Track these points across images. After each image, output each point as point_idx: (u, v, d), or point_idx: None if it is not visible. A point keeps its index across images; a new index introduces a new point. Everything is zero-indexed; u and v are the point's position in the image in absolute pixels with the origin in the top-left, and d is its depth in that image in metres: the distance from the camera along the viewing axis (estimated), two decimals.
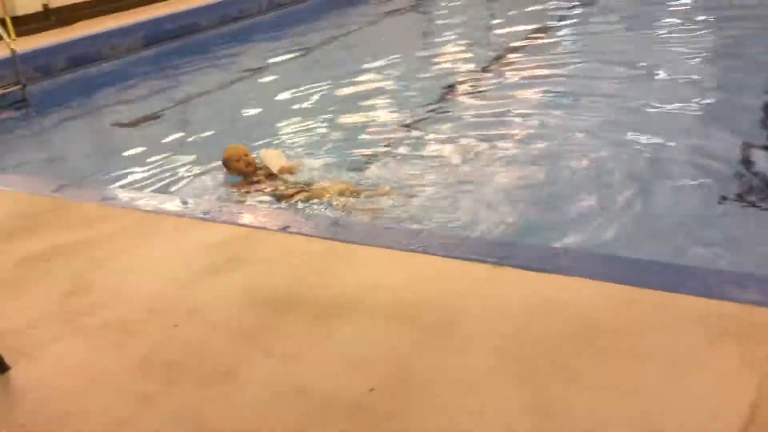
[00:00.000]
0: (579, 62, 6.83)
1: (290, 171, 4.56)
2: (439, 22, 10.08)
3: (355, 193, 4.22)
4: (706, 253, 3.30)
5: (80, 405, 2.13)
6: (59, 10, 9.68)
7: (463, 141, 5.04)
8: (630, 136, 4.77)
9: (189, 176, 4.92)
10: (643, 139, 4.70)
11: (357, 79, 7.14)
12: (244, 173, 4.53)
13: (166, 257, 3.00)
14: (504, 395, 1.96)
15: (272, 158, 4.54)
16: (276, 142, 5.49)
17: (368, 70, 7.47)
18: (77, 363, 2.35)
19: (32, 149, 6.18)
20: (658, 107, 5.32)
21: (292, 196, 4.25)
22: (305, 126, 5.86)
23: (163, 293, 2.70)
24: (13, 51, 7.07)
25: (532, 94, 6.01)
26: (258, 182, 4.46)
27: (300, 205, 4.16)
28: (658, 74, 6.16)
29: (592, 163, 4.40)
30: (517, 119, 5.41)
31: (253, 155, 4.64)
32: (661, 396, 1.90)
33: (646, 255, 2.78)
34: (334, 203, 4.10)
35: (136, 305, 2.63)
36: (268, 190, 4.36)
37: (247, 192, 4.40)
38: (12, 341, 2.49)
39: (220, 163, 4.69)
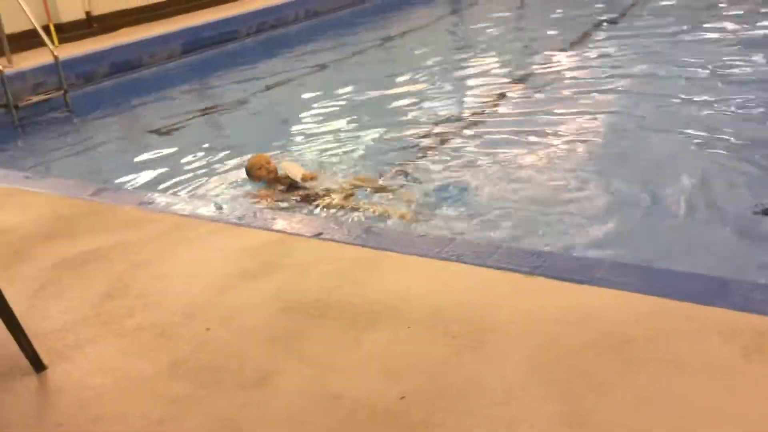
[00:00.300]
0: (618, 72, 6.77)
1: (312, 178, 4.66)
2: (474, 31, 10.07)
3: (376, 188, 4.33)
4: (746, 265, 3.24)
5: (115, 406, 2.17)
6: (101, 18, 9.89)
7: (498, 151, 5.02)
8: (673, 144, 4.70)
9: (220, 182, 5.00)
10: (688, 147, 4.64)
11: (391, 88, 7.18)
12: (266, 181, 4.64)
13: (201, 262, 3.03)
14: (537, 405, 1.95)
15: (293, 168, 4.67)
16: (307, 148, 5.54)
17: (401, 80, 7.50)
18: (113, 364, 2.39)
19: (73, 153, 6.31)
20: (708, 113, 5.24)
21: (316, 199, 4.35)
22: (336, 134, 5.91)
23: (197, 297, 2.73)
24: (56, 57, 7.24)
25: (568, 104, 5.96)
26: (280, 189, 4.56)
27: (324, 209, 4.26)
28: (708, 81, 6.07)
29: (630, 173, 4.35)
30: (552, 130, 5.37)
31: (275, 164, 4.74)
32: (694, 408, 1.87)
33: (684, 267, 2.73)
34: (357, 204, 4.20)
35: (171, 309, 2.67)
36: (292, 195, 4.46)
37: (269, 197, 4.49)
38: (49, 342, 2.55)
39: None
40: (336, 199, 4.33)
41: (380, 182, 4.48)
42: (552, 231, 3.74)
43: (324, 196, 4.39)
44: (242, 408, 2.09)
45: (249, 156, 4.89)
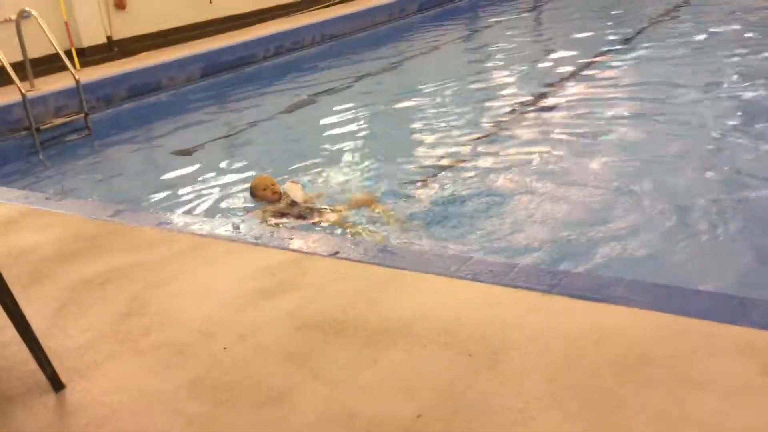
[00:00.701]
0: (646, 84, 6.76)
1: (312, 201, 4.77)
2: (493, 48, 10.12)
3: (375, 209, 4.44)
4: (765, 283, 3.20)
5: (133, 424, 2.17)
6: (122, 42, 10.05)
7: (516, 170, 5.03)
8: (695, 161, 4.69)
9: (235, 203, 5.04)
10: (711, 164, 4.61)
11: (407, 108, 7.22)
12: (269, 201, 4.76)
13: (218, 281, 3.05)
14: (556, 425, 1.93)
15: (295, 189, 4.81)
16: (319, 170, 5.58)
17: (418, 100, 7.55)
18: (130, 382, 2.40)
19: (93, 174, 6.39)
20: (732, 131, 5.22)
21: (315, 217, 4.51)
22: (351, 155, 5.94)
23: (214, 316, 2.75)
24: (77, 81, 7.36)
25: (589, 121, 5.96)
26: (280, 210, 4.67)
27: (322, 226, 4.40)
28: (732, 97, 6.05)
29: (650, 191, 4.34)
30: (577, 144, 5.37)
31: (279, 186, 4.87)
32: (714, 427, 1.85)
33: (702, 285, 2.71)
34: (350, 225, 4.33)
35: (188, 327, 2.68)
36: (293, 214, 4.59)
37: (271, 215, 4.60)
38: (68, 360, 2.57)
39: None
40: (330, 218, 4.46)
41: (376, 202, 4.60)
42: (570, 249, 3.72)
43: (318, 215, 4.53)
44: (258, 426, 2.09)
45: (275, 174, 4.94)
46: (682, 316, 2.32)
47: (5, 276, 2.39)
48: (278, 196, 4.78)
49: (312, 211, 4.62)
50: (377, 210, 4.49)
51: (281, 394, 2.21)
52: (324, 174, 5.47)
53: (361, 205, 4.57)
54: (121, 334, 2.70)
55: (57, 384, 2.41)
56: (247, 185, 5.11)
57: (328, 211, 4.57)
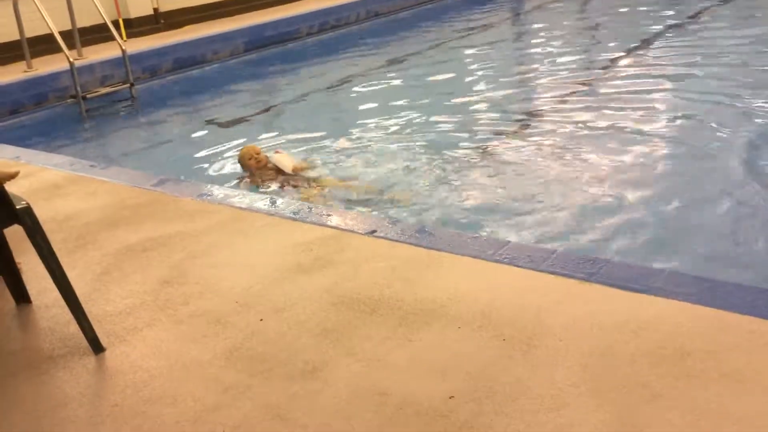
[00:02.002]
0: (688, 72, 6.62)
1: (302, 169, 4.99)
2: (538, 31, 9.98)
3: (357, 190, 4.62)
4: None
5: (170, 389, 2.22)
6: (168, 14, 10.14)
7: (546, 155, 4.97)
8: (741, 155, 4.57)
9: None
10: (758, 157, 4.50)
11: (445, 90, 7.16)
12: (255, 169, 5.01)
13: (256, 254, 3.09)
14: (588, 414, 1.92)
15: (283, 160, 5.01)
16: (358, 145, 5.59)
17: (457, 81, 7.48)
18: (168, 349, 2.45)
19: (136, 143, 6.50)
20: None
21: (295, 187, 4.75)
22: (387, 132, 5.93)
23: (252, 288, 2.78)
24: (124, 51, 7.46)
25: (629, 110, 5.85)
26: (268, 178, 4.91)
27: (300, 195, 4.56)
28: None
29: (691, 183, 4.25)
30: (617, 135, 5.28)
31: (265, 155, 5.10)
32: (753, 425, 1.81)
33: (745, 280, 2.66)
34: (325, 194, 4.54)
35: (226, 298, 2.72)
36: (275, 183, 4.84)
37: (254, 183, 4.88)
38: (109, 325, 2.63)
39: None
40: (309, 192, 4.65)
41: (365, 186, 4.71)
42: (610, 238, 3.68)
43: (299, 186, 4.76)
44: (291, 398, 2.12)
45: (312, 150, 5.00)
46: (723, 310, 2.28)
47: (51, 240, 2.45)
48: (263, 163, 5.03)
49: (298, 179, 4.83)
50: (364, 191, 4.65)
51: (315, 369, 2.24)
52: (347, 152, 5.47)
53: (341, 185, 4.75)
54: (161, 301, 2.76)
55: (97, 347, 2.48)
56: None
57: (312, 184, 4.77)
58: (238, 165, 5.14)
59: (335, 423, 1.99)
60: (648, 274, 2.57)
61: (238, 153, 5.31)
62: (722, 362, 2.05)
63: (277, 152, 5.20)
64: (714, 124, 5.23)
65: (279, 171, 4.96)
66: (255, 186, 4.86)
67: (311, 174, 4.98)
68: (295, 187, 4.77)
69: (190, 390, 2.20)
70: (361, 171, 5.03)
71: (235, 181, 5.00)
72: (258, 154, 5.08)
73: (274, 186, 4.82)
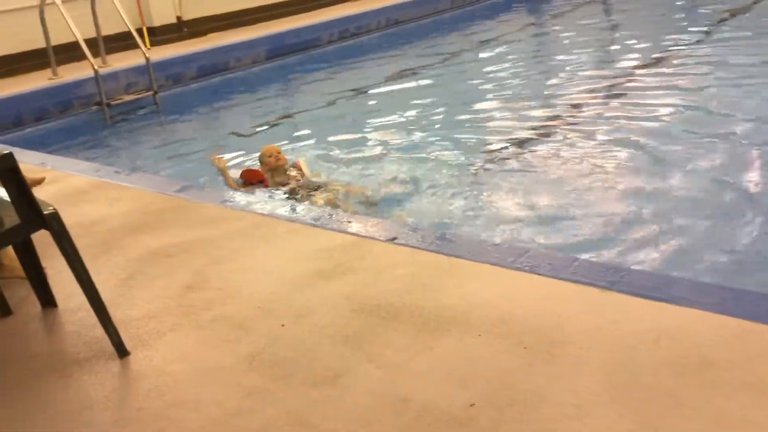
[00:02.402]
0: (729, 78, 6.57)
1: (316, 177, 5.07)
2: (558, 39, 9.95)
3: (364, 197, 4.67)
4: None
5: (192, 394, 2.24)
6: (191, 23, 10.25)
7: (573, 162, 4.95)
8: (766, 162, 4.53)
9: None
10: None
11: (465, 97, 7.16)
12: (274, 168, 5.07)
13: (277, 259, 3.11)
14: (610, 423, 1.91)
15: (305, 166, 5.12)
16: (380, 154, 5.61)
17: (479, 90, 7.47)
18: (191, 354, 2.47)
19: (159, 150, 6.57)
20: None
21: (296, 192, 4.81)
22: (408, 139, 5.95)
23: (273, 294, 2.80)
24: (147, 59, 7.55)
25: (651, 116, 5.82)
26: (282, 180, 4.98)
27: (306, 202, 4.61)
28: None
29: (716, 189, 4.22)
30: (640, 141, 5.25)
31: (285, 157, 5.17)
32: None
33: (766, 289, 2.63)
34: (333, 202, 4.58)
35: (248, 303, 2.75)
36: (287, 186, 4.90)
37: (276, 183, 4.98)
38: (133, 329, 2.66)
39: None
40: (318, 198, 4.70)
41: (369, 194, 4.76)
42: (631, 247, 3.66)
43: (308, 192, 4.80)
44: (312, 404, 2.13)
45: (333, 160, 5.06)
46: (746, 319, 2.26)
47: (77, 245, 2.49)
48: (283, 163, 5.09)
49: (310, 186, 4.87)
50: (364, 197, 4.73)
51: (336, 375, 2.25)
52: (362, 161, 5.49)
53: (349, 191, 4.80)
54: (184, 306, 2.79)
55: (122, 351, 2.51)
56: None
57: (321, 191, 4.82)
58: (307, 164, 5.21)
59: (356, 429, 2.00)
60: (670, 282, 2.56)
61: (301, 157, 5.39)
62: (746, 372, 2.04)
63: (302, 159, 5.29)
64: (738, 133, 5.18)
65: (293, 176, 5.01)
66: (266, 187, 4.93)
67: (320, 180, 5.04)
68: (308, 193, 4.80)
69: (213, 395, 2.22)
70: (378, 177, 5.04)
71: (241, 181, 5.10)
72: (279, 153, 5.15)
73: (282, 189, 4.87)
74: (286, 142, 6.27)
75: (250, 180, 5.01)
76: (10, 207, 2.40)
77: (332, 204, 4.57)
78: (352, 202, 4.63)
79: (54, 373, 2.46)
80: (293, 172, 5.07)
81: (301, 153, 5.68)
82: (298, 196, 4.73)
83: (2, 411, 2.29)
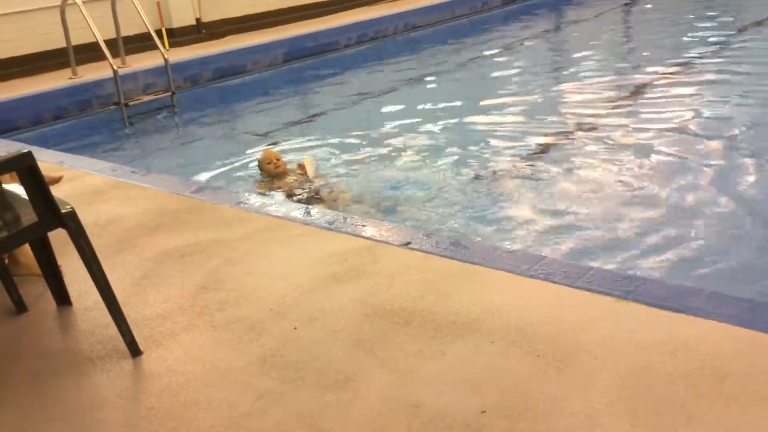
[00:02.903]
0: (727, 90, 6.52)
1: (317, 178, 5.11)
2: (575, 48, 9.92)
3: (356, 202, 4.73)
4: None
5: (205, 394, 2.25)
6: (210, 25, 10.31)
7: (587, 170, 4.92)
8: None
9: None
10: None
11: (481, 103, 7.15)
12: (273, 174, 5.10)
13: (291, 262, 3.11)
14: None
15: (310, 165, 5.15)
16: (394, 158, 5.61)
17: (495, 96, 7.46)
18: (204, 354, 2.48)
19: (176, 150, 6.61)
20: None
21: (300, 196, 4.84)
22: (423, 144, 5.95)
23: (286, 296, 2.80)
24: (166, 60, 7.60)
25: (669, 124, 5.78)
26: (283, 185, 5.02)
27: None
28: None
29: (732, 201, 4.18)
30: (661, 147, 5.22)
31: (284, 160, 5.25)
32: None
33: None
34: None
35: (261, 305, 2.75)
36: (286, 189, 4.96)
37: (270, 189, 5.00)
38: (146, 329, 2.68)
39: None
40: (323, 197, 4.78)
41: (355, 198, 4.81)
42: (647, 256, 3.63)
43: (307, 196, 4.85)
44: (323, 408, 2.13)
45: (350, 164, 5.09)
46: (763, 332, 2.24)
47: (92, 244, 2.50)
48: (282, 169, 5.14)
49: (311, 189, 4.93)
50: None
51: (347, 379, 2.25)
52: (376, 165, 5.49)
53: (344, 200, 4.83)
54: (198, 307, 2.80)
55: (135, 350, 2.52)
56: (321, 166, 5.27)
57: (325, 192, 4.88)
58: (311, 163, 5.23)
59: None
60: (687, 293, 2.53)
61: (306, 156, 5.42)
62: (762, 385, 2.01)
63: (309, 156, 5.32)
64: (760, 144, 5.13)
65: (294, 181, 5.02)
66: (269, 190, 4.97)
67: (322, 183, 5.05)
68: (315, 197, 4.82)
69: (225, 395, 2.23)
70: (390, 182, 5.03)
71: (251, 183, 5.14)
72: (278, 159, 5.18)
73: (283, 192, 4.91)
74: (301, 144, 6.29)
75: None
76: (28, 205, 2.42)
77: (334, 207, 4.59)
78: (354, 207, 4.66)
79: (68, 370, 2.48)
80: (293, 177, 5.08)
81: (307, 152, 5.70)
82: (301, 197, 4.77)
83: (16, 407, 2.31)
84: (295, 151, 6.10)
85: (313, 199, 4.79)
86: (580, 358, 2.23)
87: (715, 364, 2.12)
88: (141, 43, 8.80)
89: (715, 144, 5.25)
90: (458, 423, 2.00)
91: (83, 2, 7.37)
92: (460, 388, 2.15)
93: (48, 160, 4.97)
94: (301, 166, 5.18)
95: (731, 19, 10.06)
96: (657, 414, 1.95)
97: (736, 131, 5.47)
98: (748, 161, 4.83)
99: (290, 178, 5.10)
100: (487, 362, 2.27)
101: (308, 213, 3.65)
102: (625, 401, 2.01)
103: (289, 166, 5.29)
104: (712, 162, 4.88)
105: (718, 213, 4.08)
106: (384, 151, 5.82)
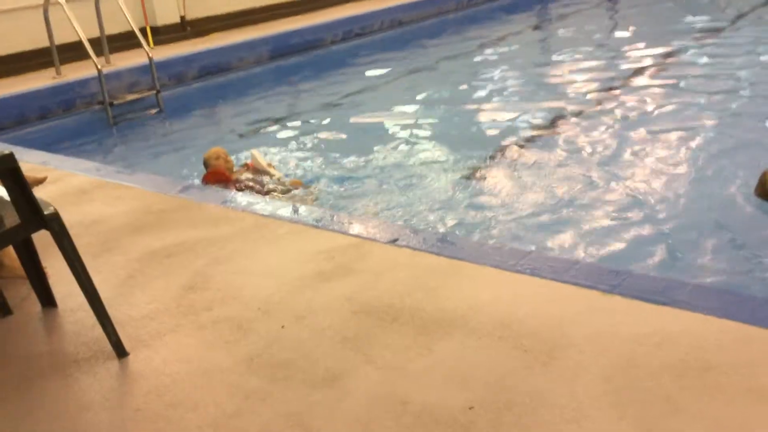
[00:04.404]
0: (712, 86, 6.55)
1: (271, 168, 5.08)
2: (559, 41, 9.94)
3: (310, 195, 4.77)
4: None
5: (191, 395, 2.24)
6: (195, 22, 10.26)
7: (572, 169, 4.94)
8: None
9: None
10: None
11: (467, 98, 7.16)
12: (221, 171, 5.03)
13: (278, 261, 3.11)
14: (610, 426, 1.90)
15: (259, 158, 5.09)
16: (381, 154, 5.60)
17: (481, 92, 7.47)
18: (190, 355, 2.47)
19: (161, 149, 6.57)
20: None
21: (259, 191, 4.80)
22: (408, 142, 5.94)
23: (273, 295, 2.80)
24: (150, 59, 7.55)
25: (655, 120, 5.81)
26: (236, 180, 4.95)
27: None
28: None
29: (715, 196, 4.20)
30: (648, 140, 5.25)
31: (232, 157, 5.15)
32: None
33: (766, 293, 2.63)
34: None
35: (248, 304, 2.74)
36: (242, 184, 4.87)
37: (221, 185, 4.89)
38: (132, 329, 2.66)
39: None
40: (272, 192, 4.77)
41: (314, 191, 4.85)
42: (633, 250, 3.65)
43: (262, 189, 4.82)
44: (311, 406, 2.13)
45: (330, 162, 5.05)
46: (748, 324, 2.25)
47: (77, 245, 2.49)
48: (230, 165, 5.05)
49: (262, 181, 4.89)
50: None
51: (335, 376, 2.25)
52: (362, 161, 5.48)
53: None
54: (184, 307, 2.78)
55: (121, 351, 2.51)
56: (307, 165, 5.23)
57: (274, 184, 4.87)
58: (260, 156, 5.17)
59: (354, 431, 2.00)
60: (672, 286, 2.55)
61: (251, 150, 5.36)
62: (747, 377, 2.03)
63: (254, 151, 5.28)
64: (743, 137, 5.17)
65: (254, 169, 4.99)
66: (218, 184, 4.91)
67: (277, 174, 5.04)
68: (267, 192, 4.80)
69: (212, 396, 2.22)
70: (378, 179, 5.03)
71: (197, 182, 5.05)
72: (227, 155, 5.13)
73: (233, 188, 4.87)
74: (289, 141, 6.28)
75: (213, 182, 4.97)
76: (11, 207, 2.40)
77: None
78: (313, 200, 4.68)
79: (53, 373, 2.46)
80: (243, 175, 5.02)
81: (296, 154, 5.71)
82: (260, 191, 4.75)
83: (2, 411, 2.29)
84: (279, 147, 6.09)
85: (270, 191, 4.77)
86: (567, 352, 2.24)
87: (700, 356, 2.14)
88: (125, 41, 8.74)
89: (699, 138, 5.28)
90: (446, 418, 2.00)
91: (66, 1, 7.31)
92: (447, 383, 2.16)
93: (32, 161, 4.93)
94: (249, 165, 5.11)
95: (716, 11, 10.11)
96: (643, 406, 1.96)
97: (721, 124, 5.50)
98: (737, 155, 4.85)
99: (238, 173, 5.03)
100: (475, 358, 2.27)
101: (295, 211, 3.65)
102: (611, 394, 2.02)
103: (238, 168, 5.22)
104: (698, 156, 4.91)
105: (704, 207, 4.10)
106: (370, 147, 5.81)
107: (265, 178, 4.95)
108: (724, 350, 2.15)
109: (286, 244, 3.26)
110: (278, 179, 4.97)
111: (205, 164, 5.13)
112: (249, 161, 5.18)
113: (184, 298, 2.85)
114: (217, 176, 4.90)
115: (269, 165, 5.10)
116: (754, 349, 2.15)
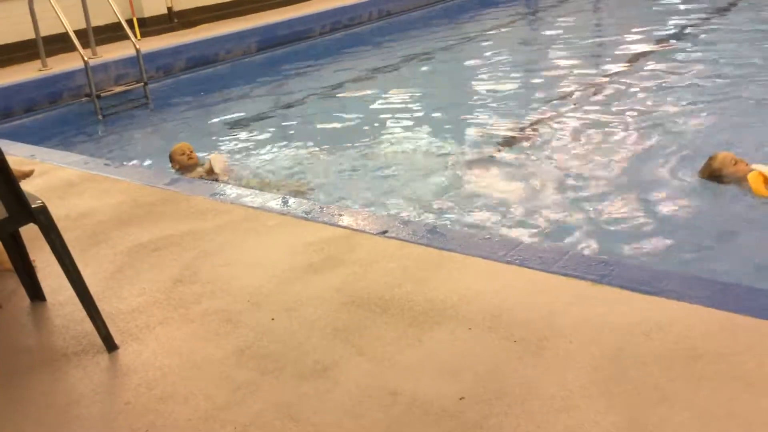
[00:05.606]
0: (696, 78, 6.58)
1: (227, 175, 5.07)
2: (550, 35, 9.95)
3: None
4: None
5: (181, 387, 2.24)
6: (182, 14, 10.20)
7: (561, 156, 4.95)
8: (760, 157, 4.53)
9: (284, 176, 5.12)
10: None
11: (455, 90, 7.16)
12: (185, 166, 5.14)
13: (267, 253, 3.10)
14: (598, 415, 1.92)
15: (219, 161, 5.10)
16: (369, 146, 5.59)
17: (469, 83, 7.46)
18: (180, 347, 2.46)
19: (150, 142, 6.54)
20: None
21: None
22: (395, 134, 5.94)
23: (263, 287, 2.79)
24: (138, 50, 7.50)
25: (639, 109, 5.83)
26: (198, 175, 4.99)
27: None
28: None
29: (702, 186, 4.23)
30: (635, 132, 5.26)
31: (197, 154, 5.23)
32: (760, 427, 1.81)
33: (757, 283, 2.64)
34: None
35: (238, 297, 2.74)
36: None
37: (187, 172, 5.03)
38: (122, 323, 2.65)
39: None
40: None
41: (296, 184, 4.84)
42: (622, 240, 3.67)
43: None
44: (301, 397, 2.13)
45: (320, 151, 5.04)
46: (735, 313, 2.27)
47: (65, 238, 2.47)
48: (194, 161, 5.12)
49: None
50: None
51: (325, 368, 2.25)
52: (350, 152, 5.47)
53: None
54: (173, 300, 2.78)
55: (110, 345, 2.50)
56: (292, 153, 5.22)
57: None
58: (219, 161, 5.13)
59: (345, 422, 2.00)
60: (660, 276, 2.56)
61: (213, 153, 5.36)
62: (734, 365, 2.04)
63: (218, 153, 5.32)
64: (731, 128, 5.19)
65: (210, 171, 5.00)
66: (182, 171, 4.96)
67: (229, 178, 5.03)
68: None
69: (202, 388, 2.22)
70: (369, 171, 5.03)
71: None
72: (191, 152, 5.19)
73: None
74: (277, 133, 6.26)
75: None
76: None
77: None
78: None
79: (43, 367, 2.45)
80: (201, 171, 5.03)
81: (280, 146, 5.69)
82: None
83: None
84: (267, 138, 6.08)
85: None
86: (556, 342, 2.25)
87: (688, 344, 2.15)
88: (112, 33, 8.69)
89: (686, 130, 5.29)
90: (436, 409, 2.01)
91: None
92: (438, 374, 2.16)
93: (19, 154, 4.90)
94: (208, 167, 5.07)
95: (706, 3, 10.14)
96: (631, 395, 1.98)
97: (707, 117, 5.52)
98: (725, 146, 4.87)
99: (198, 171, 5.06)
100: (464, 348, 2.28)
101: (285, 203, 3.64)
102: (600, 383, 2.04)
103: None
104: (686, 148, 4.92)
105: (691, 198, 4.12)
106: (358, 139, 5.81)
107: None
108: (712, 339, 2.17)
109: (276, 236, 3.26)
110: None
111: (171, 158, 5.20)
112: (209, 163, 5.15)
113: (174, 290, 2.85)
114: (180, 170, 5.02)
115: (224, 172, 5.06)
116: (740, 337, 2.16)
